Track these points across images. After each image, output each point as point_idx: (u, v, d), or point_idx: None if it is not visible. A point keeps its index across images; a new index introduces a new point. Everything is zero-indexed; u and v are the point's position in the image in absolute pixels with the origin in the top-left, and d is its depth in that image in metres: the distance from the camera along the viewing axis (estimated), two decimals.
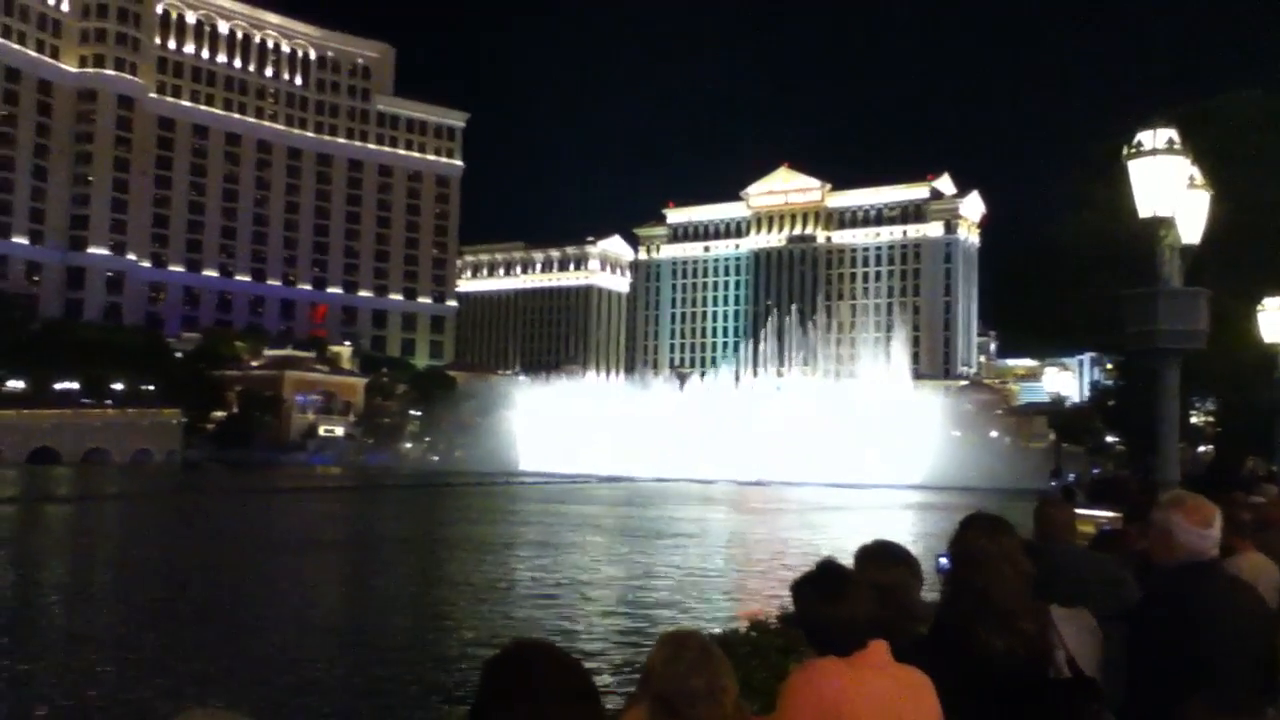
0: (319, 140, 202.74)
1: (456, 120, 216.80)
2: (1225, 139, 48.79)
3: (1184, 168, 10.49)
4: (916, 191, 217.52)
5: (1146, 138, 9.81)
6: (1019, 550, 4.37)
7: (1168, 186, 9.94)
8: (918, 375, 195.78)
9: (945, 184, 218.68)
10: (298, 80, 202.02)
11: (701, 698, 2.98)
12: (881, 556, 4.18)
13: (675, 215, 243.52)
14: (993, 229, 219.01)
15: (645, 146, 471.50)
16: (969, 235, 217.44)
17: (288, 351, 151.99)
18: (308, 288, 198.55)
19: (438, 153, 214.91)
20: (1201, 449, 53.39)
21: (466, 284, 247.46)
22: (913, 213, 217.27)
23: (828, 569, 3.88)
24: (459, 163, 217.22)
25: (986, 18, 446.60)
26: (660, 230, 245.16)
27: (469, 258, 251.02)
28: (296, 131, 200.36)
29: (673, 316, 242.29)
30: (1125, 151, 9.89)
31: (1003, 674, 3.87)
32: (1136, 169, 9.74)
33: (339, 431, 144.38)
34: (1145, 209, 9.68)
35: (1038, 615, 4.26)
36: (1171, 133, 10.15)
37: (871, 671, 3.60)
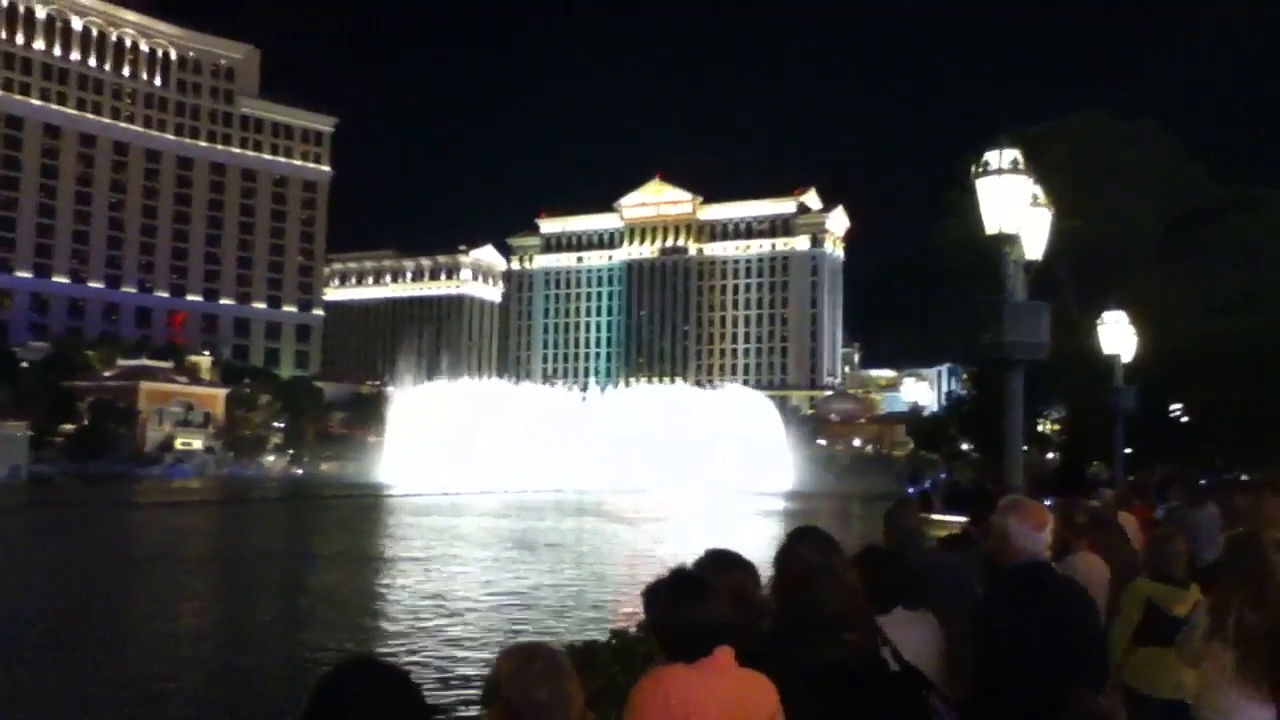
0: (179, 143, 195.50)
1: (325, 125, 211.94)
2: (1080, 156, 51.67)
3: (1027, 187, 10.99)
4: (784, 206, 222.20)
5: (993, 157, 10.25)
6: (844, 564, 4.54)
7: (1012, 204, 10.40)
8: (785, 385, 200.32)
9: (812, 199, 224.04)
10: (157, 81, 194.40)
11: (547, 709, 2.99)
12: (718, 563, 4.27)
13: (548, 225, 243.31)
14: (857, 243, 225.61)
15: (519, 156, 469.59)
16: (834, 249, 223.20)
17: (143, 361, 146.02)
18: (166, 295, 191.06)
19: (305, 158, 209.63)
20: (1050, 455, 55.99)
21: (335, 292, 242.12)
22: (781, 226, 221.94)
23: (680, 576, 3.95)
24: (327, 168, 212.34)
25: (850, 35, 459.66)
26: (533, 240, 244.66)
27: (337, 265, 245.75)
28: (155, 133, 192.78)
29: (545, 327, 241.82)
30: (973, 170, 10.32)
31: (831, 681, 3.99)
32: (983, 187, 10.17)
33: (198, 444, 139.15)
34: (992, 225, 10.11)
35: (865, 624, 4.40)
36: (1016, 153, 10.62)
37: (716, 676, 3.67)
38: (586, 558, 34.17)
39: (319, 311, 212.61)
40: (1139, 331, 20.48)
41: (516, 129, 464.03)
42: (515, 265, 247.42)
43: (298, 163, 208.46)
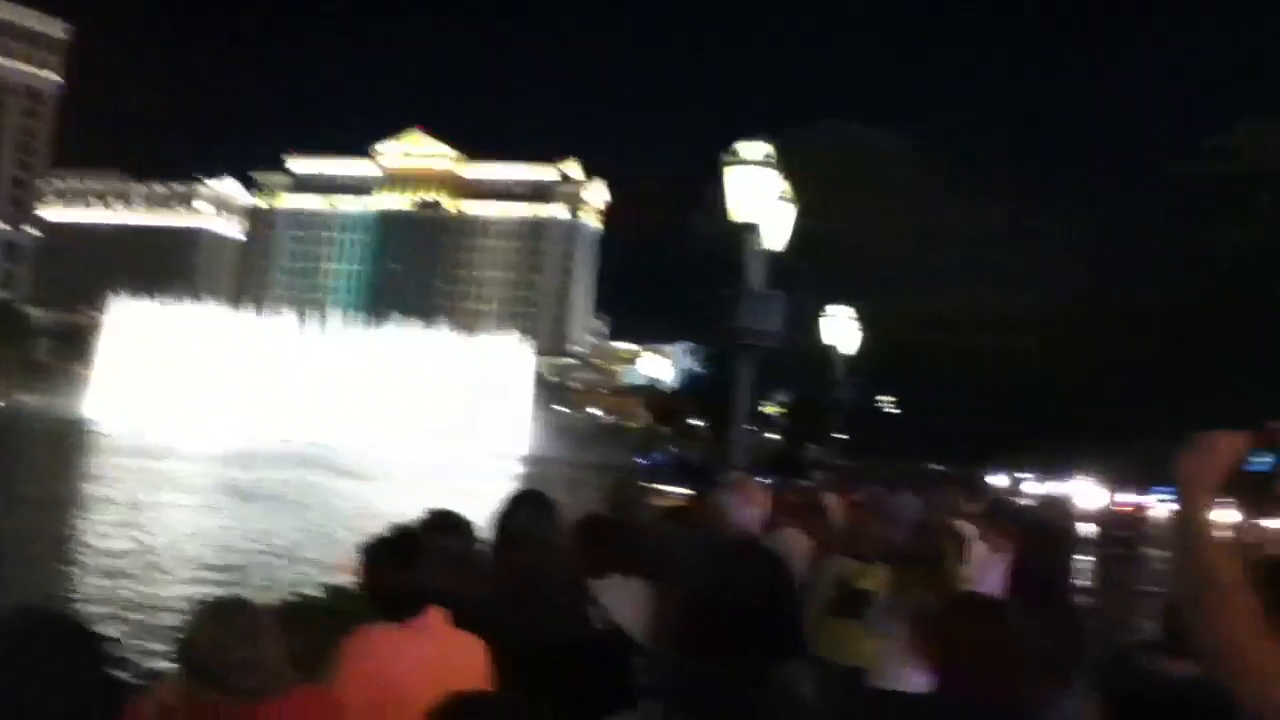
0: None
1: (57, 30, 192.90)
2: (830, 160, 54.81)
3: (775, 180, 11.48)
4: (545, 172, 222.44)
5: (744, 148, 10.66)
6: (559, 528, 4.66)
7: (758, 195, 10.85)
8: (532, 350, 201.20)
9: (574, 169, 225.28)
10: None
11: (239, 667, 2.88)
12: (437, 524, 4.27)
13: (299, 165, 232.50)
14: (617, 219, 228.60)
15: (273, 89, 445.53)
16: (591, 221, 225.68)
17: None
18: None
19: (31, 63, 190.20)
20: (772, 437, 59.27)
21: (56, 213, 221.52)
22: (540, 193, 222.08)
23: (395, 535, 3.91)
24: (56, 77, 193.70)
25: (635, 20, 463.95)
26: (282, 178, 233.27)
27: (59, 184, 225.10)
28: None
29: (289, 270, 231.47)
30: (723, 159, 10.69)
31: (540, 642, 4.08)
32: (731, 176, 10.56)
33: None
34: (736, 214, 10.52)
35: (576, 588, 4.53)
36: (767, 147, 11.08)
37: (424, 637, 3.67)
38: (310, 511, 33.13)
39: (33, 231, 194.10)
40: (864, 329, 21.92)
41: (273, 61, 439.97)
42: (261, 203, 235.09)
43: (22, 67, 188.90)
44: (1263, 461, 2.19)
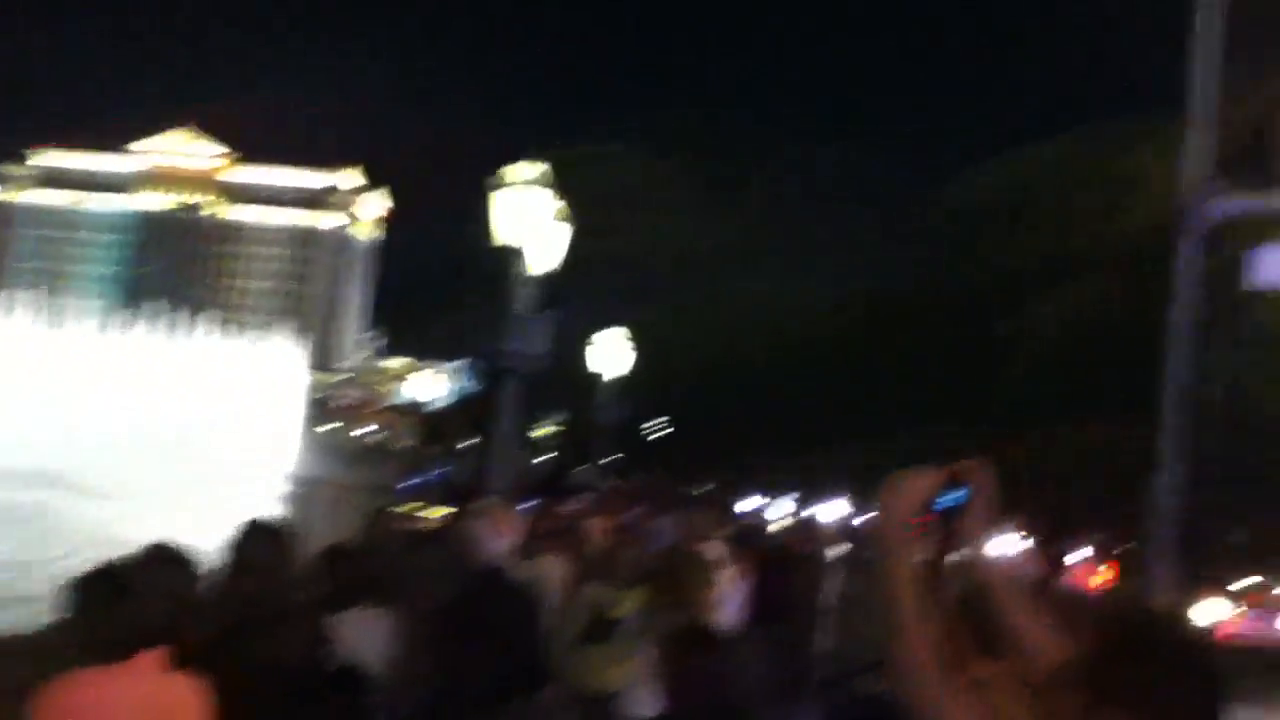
0: None
1: None
2: (607, 182, 55.69)
3: (548, 200, 11.53)
4: (321, 179, 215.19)
5: (512, 171, 10.68)
6: (290, 559, 4.53)
7: (528, 217, 10.86)
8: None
9: (352, 177, 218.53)
10: None
11: None
12: (158, 558, 4.04)
13: (45, 159, 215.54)
14: (396, 231, 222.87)
15: (26, 74, 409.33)
16: (366, 232, 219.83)
17: None
18: None
19: None
20: (542, 459, 59.51)
21: None
22: (314, 200, 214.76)
23: (106, 570, 3.69)
24: None
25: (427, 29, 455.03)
26: (24, 171, 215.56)
27: None
28: None
29: (28, 271, 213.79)
30: (491, 181, 10.67)
31: (270, 677, 3.94)
32: (500, 198, 10.54)
33: None
34: (502, 236, 10.51)
35: (302, 622, 4.40)
36: (542, 166, 11.13)
37: (136, 680, 3.44)
38: (42, 537, 30.52)
39: None
40: (639, 351, 22.25)
41: (39, 38, 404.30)
42: (1, 198, 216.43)
43: None
44: (953, 497, 2.42)
